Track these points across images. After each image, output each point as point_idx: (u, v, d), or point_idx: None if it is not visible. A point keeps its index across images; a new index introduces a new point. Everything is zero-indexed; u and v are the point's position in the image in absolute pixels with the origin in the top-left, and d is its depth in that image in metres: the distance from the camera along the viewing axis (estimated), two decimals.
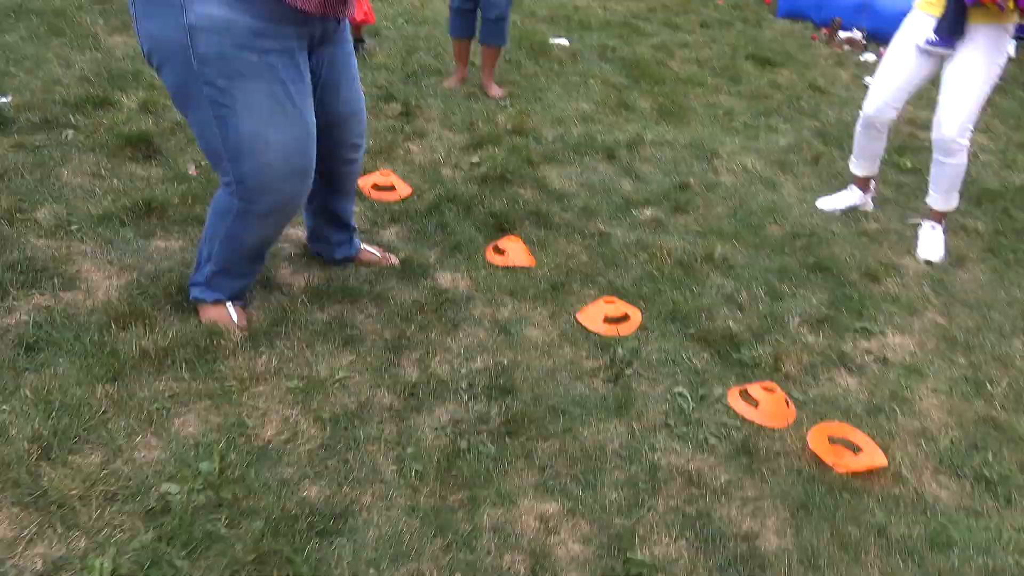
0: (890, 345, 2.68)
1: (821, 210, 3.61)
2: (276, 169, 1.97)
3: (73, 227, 2.65)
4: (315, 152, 2.06)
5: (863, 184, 3.63)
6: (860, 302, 2.88)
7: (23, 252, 2.46)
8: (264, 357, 2.19)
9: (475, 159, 3.64)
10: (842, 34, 6.44)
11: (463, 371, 2.26)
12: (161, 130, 3.42)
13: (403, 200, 3.20)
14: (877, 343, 2.69)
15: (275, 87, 1.89)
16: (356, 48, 4.74)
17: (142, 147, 3.25)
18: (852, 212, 3.61)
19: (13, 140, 3.17)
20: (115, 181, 3.00)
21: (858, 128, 3.47)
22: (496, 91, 4.48)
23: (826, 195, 3.72)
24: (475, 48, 4.55)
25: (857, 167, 3.59)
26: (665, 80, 5.07)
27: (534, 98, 4.50)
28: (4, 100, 3.42)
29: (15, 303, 2.26)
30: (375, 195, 3.18)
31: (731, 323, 2.65)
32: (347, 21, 2.17)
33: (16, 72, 3.78)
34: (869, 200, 3.67)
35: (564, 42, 5.49)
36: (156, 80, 3.85)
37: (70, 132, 3.29)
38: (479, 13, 4.34)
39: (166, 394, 2.01)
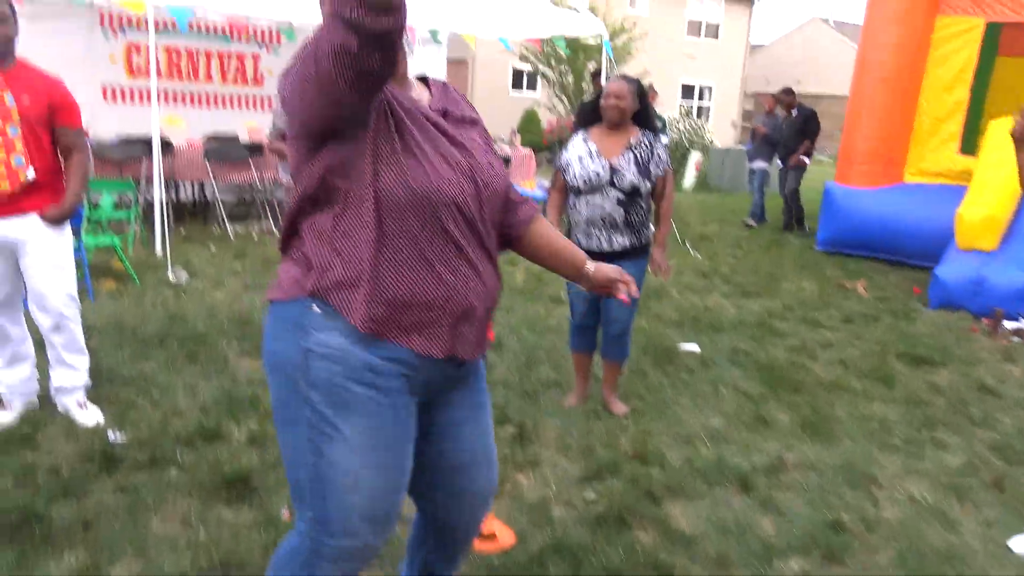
0: None
1: (1017, 554, 2.95)
2: (360, 511, 1.78)
3: None
4: (402, 501, 1.86)
5: None
6: None
7: None
8: None
9: (591, 495, 3.28)
10: (1007, 324, 5.89)
11: None
12: (264, 465, 3.31)
13: (504, 552, 2.84)
14: None
15: (379, 426, 1.75)
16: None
17: (238, 487, 3.12)
18: None
19: (116, 482, 3.13)
20: (202, 531, 2.83)
21: None
22: (619, 407, 4.21)
23: (1019, 533, 3.08)
24: (598, 359, 4.37)
25: None
26: (806, 387, 4.66)
27: (659, 413, 4.18)
28: (116, 438, 3.45)
29: None
30: (474, 544, 2.85)
31: None
32: (482, 363, 2.01)
33: (143, 403, 3.88)
34: None
35: (694, 348, 5.26)
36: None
37: (173, 472, 3.23)
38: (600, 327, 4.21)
39: None
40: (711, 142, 16.63)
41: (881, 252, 8.25)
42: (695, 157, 15.04)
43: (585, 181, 3.93)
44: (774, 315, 6.22)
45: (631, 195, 3.93)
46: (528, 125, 19.49)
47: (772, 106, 10.36)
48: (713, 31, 29.63)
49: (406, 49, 1.80)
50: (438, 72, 10.91)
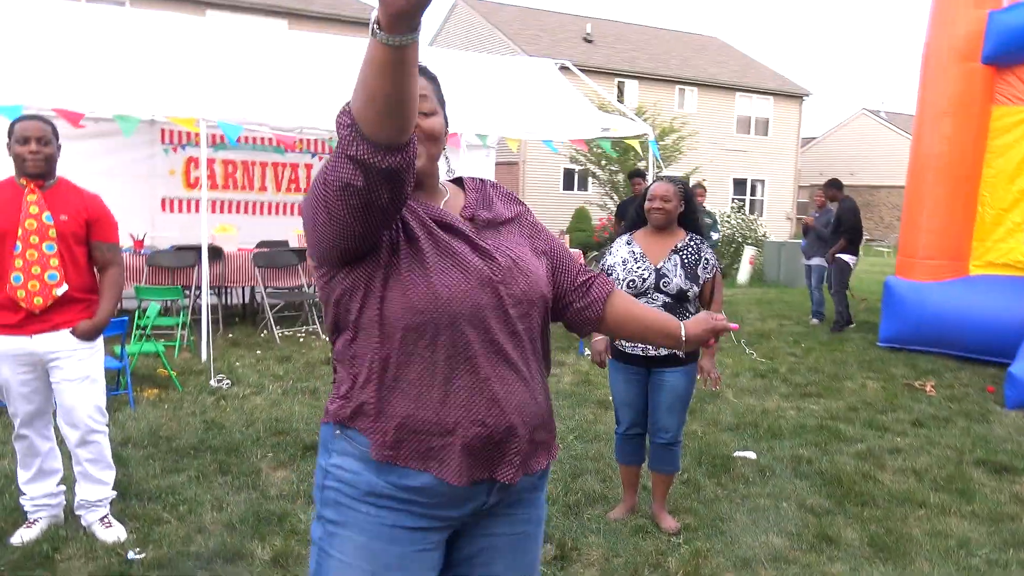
0: None
1: None
2: None
3: None
4: None
5: None
6: None
7: None
8: None
9: None
10: None
11: None
12: None
13: None
14: None
15: (379, 550, 1.62)
16: None
17: None
18: None
19: None
20: None
21: None
22: (669, 523, 3.91)
23: None
24: (647, 470, 4.11)
25: None
26: (875, 499, 4.29)
27: (714, 530, 3.87)
28: (136, 556, 3.30)
29: None
30: None
31: None
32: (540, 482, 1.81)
33: (169, 518, 3.74)
34: None
35: (751, 455, 4.94)
36: (300, 524, 3.67)
37: None
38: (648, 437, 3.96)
39: None
40: (764, 236, 16.40)
41: (949, 348, 7.83)
42: (749, 252, 14.80)
43: (630, 284, 3.77)
44: (837, 418, 5.86)
45: (678, 300, 3.75)
46: (579, 223, 19.56)
47: (822, 201, 10.06)
48: (763, 127, 29.78)
49: (443, 157, 1.77)
50: (486, 174, 11.05)
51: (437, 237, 1.62)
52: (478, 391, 1.60)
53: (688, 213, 3.92)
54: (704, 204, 9.75)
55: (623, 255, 3.88)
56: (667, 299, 3.74)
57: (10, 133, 3.33)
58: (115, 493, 3.67)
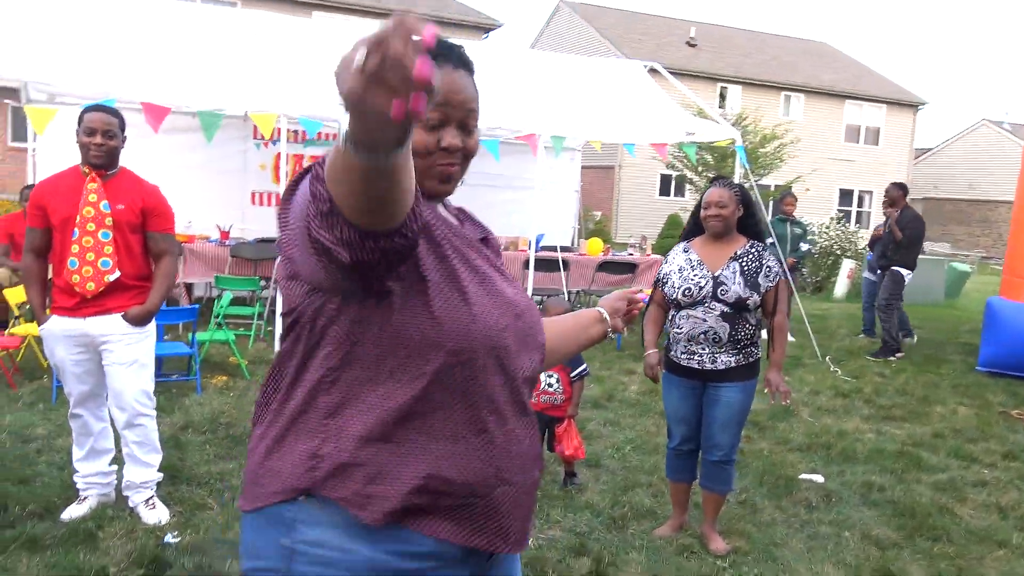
0: None
1: None
2: None
3: None
4: None
5: None
6: None
7: None
8: None
9: None
10: None
11: None
12: None
13: None
14: None
15: None
16: (566, 483, 4.35)
17: None
18: None
19: None
20: None
21: None
22: (718, 545, 3.71)
23: None
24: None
25: None
26: (950, 535, 3.97)
27: (765, 556, 3.65)
28: (173, 540, 3.36)
29: None
30: None
31: None
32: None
33: (212, 504, 3.79)
34: None
35: (818, 479, 4.66)
36: None
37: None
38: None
39: None
40: (865, 249, 15.63)
41: None
42: (848, 265, 14.14)
43: (685, 293, 3.60)
44: (921, 445, 5.47)
45: (737, 309, 3.55)
46: (670, 229, 19.18)
47: (890, 212, 8.96)
48: (873, 136, 28.55)
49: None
50: (571, 178, 10.93)
51: (468, 258, 1.38)
52: (506, 443, 1.38)
53: (748, 218, 3.72)
54: (795, 214, 9.33)
55: (679, 263, 3.71)
56: (725, 308, 3.55)
57: (79, 122, 3.44)
58: (161, 476, 3.75)
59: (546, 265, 8.36)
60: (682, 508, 3.91)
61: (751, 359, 3.64)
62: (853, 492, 4.51)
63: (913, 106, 29.20)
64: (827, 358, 8.06)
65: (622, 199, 25.68)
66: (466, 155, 1.39)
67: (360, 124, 0.92)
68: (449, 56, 1.34)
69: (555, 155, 7.90)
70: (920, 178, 32.21)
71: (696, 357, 3.61)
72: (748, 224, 3.74)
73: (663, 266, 3.82)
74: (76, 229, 3.37)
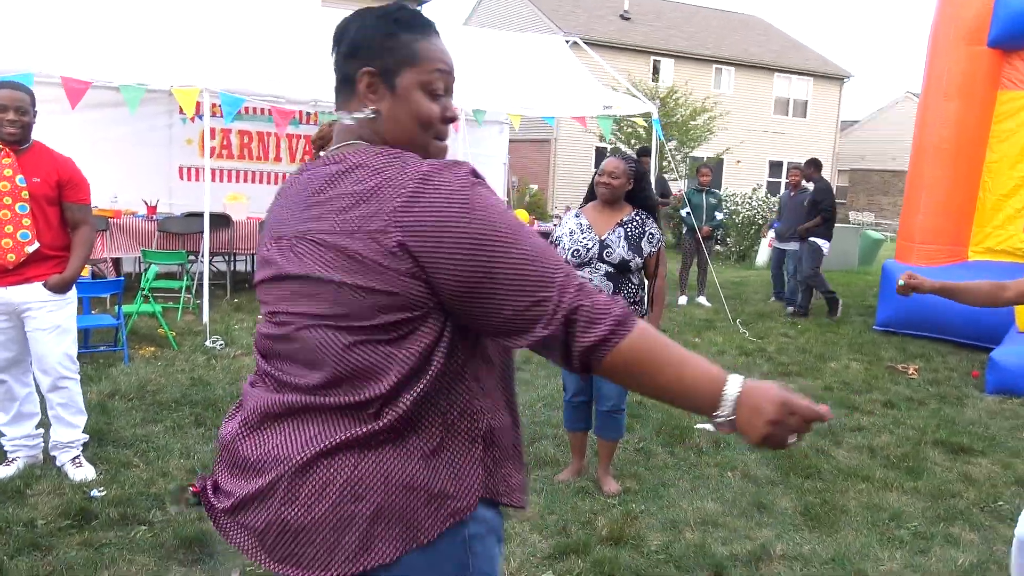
0: None
1: None
2: None
3: None
4: None
5: None
6: None
7: None
8: None
9: (549, 573, 3.17)
10: None
11: None
12: None
13: None
14: None
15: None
16: None
17: (196, 548, 3.18)
18: None
19: (84, 538, 3.23)
20: None
21: (1013, 552, 2.64)
22: (611, 486, 4.08)
23: None
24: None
25: None
26: (821, 473, 4.41)
27: (653, 495, 4.02)
28: (97, 494, 3.58)
29: None
30: None
31: None
32: None
33: (137, 463, 4.01)
34: None
35: (710, 427, 5.05)
36: None
37: (142, 529, 3.32)
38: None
39: None
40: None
41: (942, 333, 7.82)
42: (770, 234, 14.73)
43: (574, 254, 3.92)
44: (810, 396, 5.90)
45: (620, 269, 3.89)
46: None
47: (797, 179, 9.66)
48: (801, 109, 29.34)
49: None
50: (500, 152, 11.18)
51: None
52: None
53: (638, 192, 4.05)
54: (724, 185, 9.75)
55: (571, 227, 4.03)
56: (609, 268, 3.88)
57: None
58: (86, 436, 3.95)
59: None
60: (580, 455, 4.26)
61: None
62: (739, 438, 4.92)
63: (839, 79, 30.06)
64: (738, 321, 8.53)
65: (558, 172, 26.01)
66: (452, 122, 1.48)
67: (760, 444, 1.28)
68: (431, 27, 1.42)
69: (478, 126, 8.12)
70: (847, 150, 33.27)
71: None
72: (638, 196, 4.07)
73: (556, 229, 4.14)
74: None
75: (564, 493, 4.00)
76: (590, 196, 4.18)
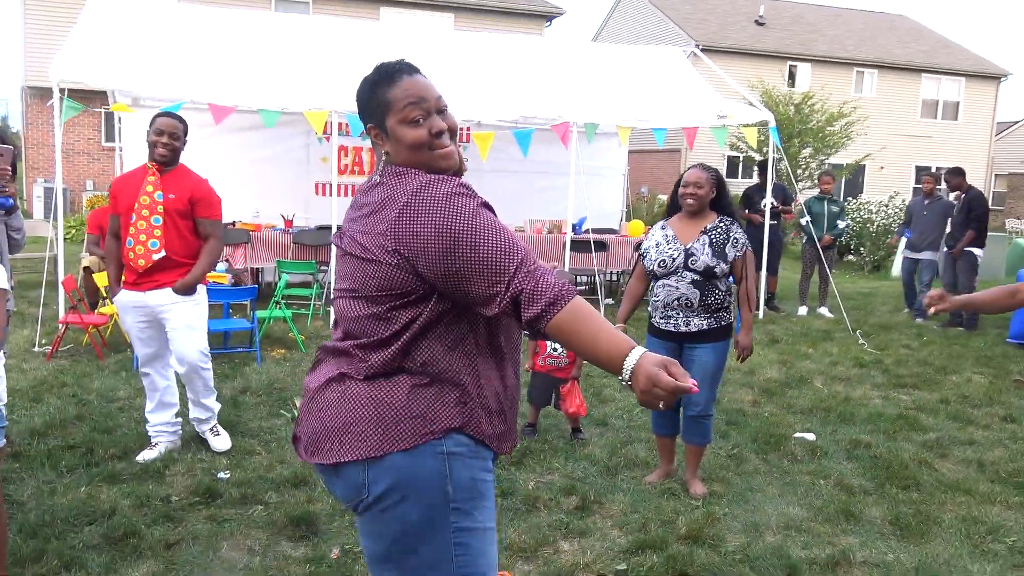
0: None
1: None
2: None
3: None
4: None
5: None
6: None
7: None
8: None
9: (621, 566, 3.33)
10: None
11: None
12: (333, 510, 3.70)
13: None
14: None
15: (492, 506, 1.91)
16: (572, 437, 4.86)
17: (303, 527, 3.53)
18: None
19: (210, 513, 3.67)
20: (258, 560, 3.26)
21: None
22: (697, 489, 4.16)
23: None
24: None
25: None
26: (920, 485, 4.31)
27: (738, 499, 4.08)
28: (223, 476, 4.03)
29: None
30: None
31: None
32: None
33: (260, 451, 4.46)
34: None
35: (810, 437, 5.03)
36: None
37: (259, 508, 3.72)
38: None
39: None
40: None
41: None
42: (903, 242, 14.10)
43: (660, 264, 4.05)
44: (924, 409, 5.75)
45: (706, 276, 3.98)
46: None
47: (931, 187, 9.31)
48: (952, 111, 27.71)
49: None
50: (619, 163, 11.31)
51: None
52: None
53: (720, 199, 4.12)
54: (831, 193, 9.53)
55: (657, 239, 4.15)
56: (695, 276, 3.98)
57: (151, 124, 4.14)
58: (219, 405, 4.55)
59: (584, 247, 8.82)
60: (668, 459, 4.37)
61: (722, 323, 4.06)
62: (839, 448, 4.88)
63: (996, 78, 28.19)
64: (858, 332, 8.29)
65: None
66: (452, 131, 1.83)
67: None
68: (404, 68, 1.81)
69: (588, 141, 8.32)
70: (1004, 153, 31.06)
71: (672, 321, 4.06)
72: (721, 204, 4.15)
73: (644, 241, 4.27)
74: (133, 215, 4.06)
75: (650, 494, 4.13)
76: (673, 208, 4.26)
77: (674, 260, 4.02)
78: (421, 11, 22.52)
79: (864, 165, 23.13)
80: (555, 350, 4.82)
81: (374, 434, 1.74)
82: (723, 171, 25.52)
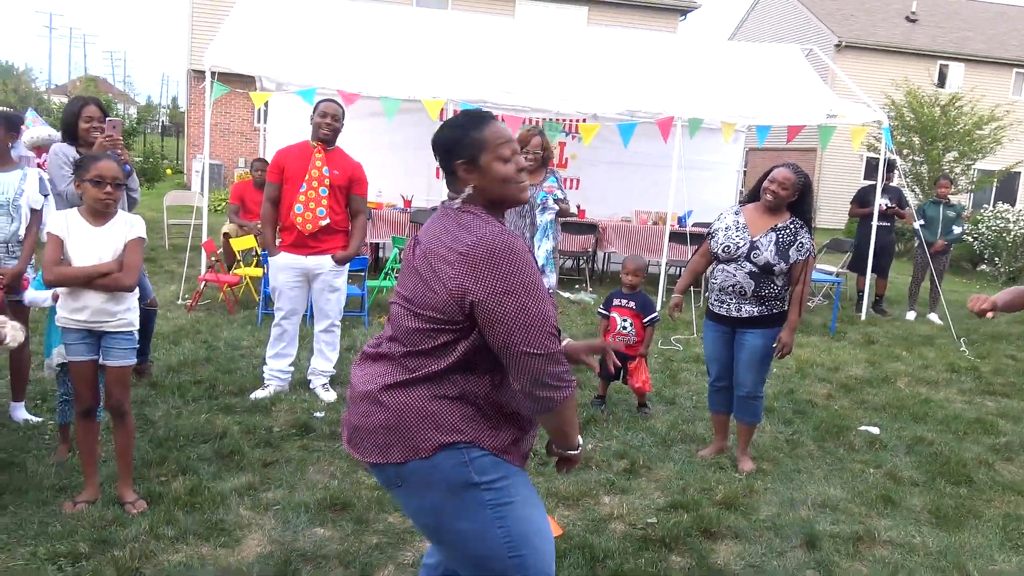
0: None
1: None
2: (551, 556, 2.10)
3: (275, 507, 3.49)
4: None
5: None
6: None
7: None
8: None
9: (652, 519, 3.66)
10: None
11: None
12: None
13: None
14: None
15: (528, 483, 2.13)
16: (638, 411, 5.19)
17: None
18: None
19: (303, 442, 4.27)
20: (336, 483, 3.82)
21: None
22: (746, 465, 4.40)
23: None
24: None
25: None
26: (973, 483, 4.38)
27: (784, 478, 4.30)
28: (319, 415, 4.63)
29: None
30: None
31: None
32: None
33: None
34: None
35: (874, 430, 5.14)
36: None
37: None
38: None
39: None
40: None
41: None
42: None
43: (724, 249, 4.29)
44: (1006, 415, 5.70)
45: (764, 271, 4.17)
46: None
47: None
48: None
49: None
50: (733, 160, 11.36)
51: None
52: None
53: (800, 203, 4.25)
54: (949, 197, 9.29)
55: (728, 222, 4.36)
56: (754, 268, 4.20)
57: (315, 108, 4.87)
58: (336, 371, 5.17)
59: (683, 239, 9.03)
60: (722, 435, 4.63)
61: (774, 310, 4.26)
62: (901, 443, 4.97)
63: None
64: (962, 340, 8.11)
65: (824, 182, 24.99)
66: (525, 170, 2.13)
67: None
68: (489, 116, 2.10)
69: (689, 136, 8.51)
70: None
71: (725, 305, 4.32)
72: (801, 209, 4.27)
73: (715, 222, 4.48)
74: (304, 184, 4.76)
75: (700, 466, 4.41)
76: (753, 195, 4.44)
77: (738, 248, 4.23)
78: (555, 4, 22.94)
79: (1019, 172, 21.78)
80: (625, 328, 5.16)
81: (399, 442, 1.97)
82: (861, 173, 24.80)
